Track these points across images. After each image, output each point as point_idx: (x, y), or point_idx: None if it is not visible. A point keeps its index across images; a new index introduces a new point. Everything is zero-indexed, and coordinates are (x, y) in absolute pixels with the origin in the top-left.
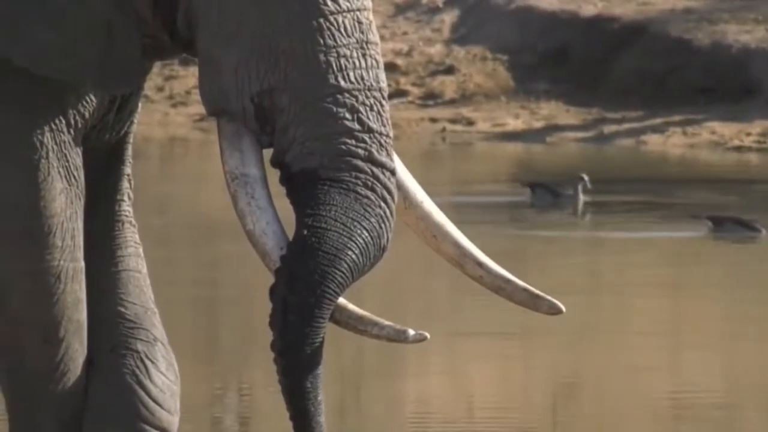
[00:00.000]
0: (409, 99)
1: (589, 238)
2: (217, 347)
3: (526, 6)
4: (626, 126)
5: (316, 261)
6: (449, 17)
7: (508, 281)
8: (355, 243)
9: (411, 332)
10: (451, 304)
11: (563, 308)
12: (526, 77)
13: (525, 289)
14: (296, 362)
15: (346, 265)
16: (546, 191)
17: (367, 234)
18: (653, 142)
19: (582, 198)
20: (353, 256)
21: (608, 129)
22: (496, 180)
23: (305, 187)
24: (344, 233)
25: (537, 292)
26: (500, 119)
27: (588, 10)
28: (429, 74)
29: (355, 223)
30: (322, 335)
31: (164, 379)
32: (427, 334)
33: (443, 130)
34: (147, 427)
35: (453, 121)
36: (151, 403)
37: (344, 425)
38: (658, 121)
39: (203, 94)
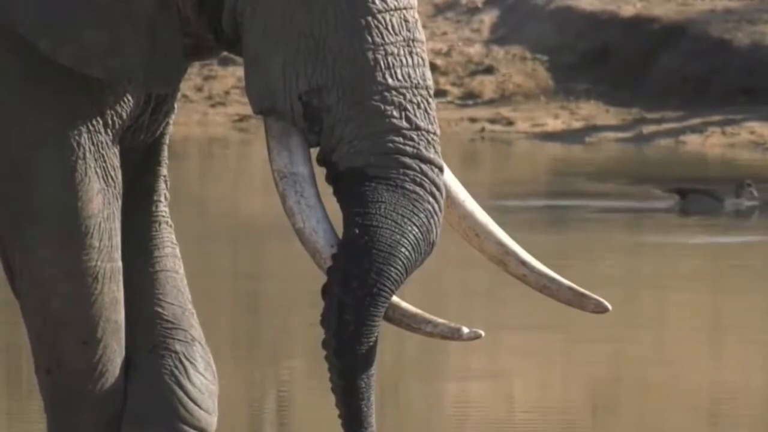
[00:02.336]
0: (449, 99)
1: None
2: (256, 346)
3: (566, 6)
4: (665, 126)
5: (371, 260)
6: (488, 17)
7: (553, 280)
8: (407, 239)
9: (465, 330)
10: (491, 298)
11: (609, 306)
12: (566, 77)
13: (570, 288)
14: (352, 362)
15: (400, 262)
16: (704, 196)
17: (417, 230)
18: (692, 142)
19: (746, 203)
20: (406, 253)
21: (647, 129)
22: (535, 181)
23: (353, 185)
24: (396, 230)
25: (582, 290)
26: (539, 119)
27: (627, 11)
28: (468, 74)
29: (405, 220)
30: (376, 334)
31: (202, 379)
32: (482, 332)
33: (482, 130)
34: (186, 428)
35: (492, 121)
36: (189, 404)
37: (384, 423)
38: (697, 121)
39: (250, 93)
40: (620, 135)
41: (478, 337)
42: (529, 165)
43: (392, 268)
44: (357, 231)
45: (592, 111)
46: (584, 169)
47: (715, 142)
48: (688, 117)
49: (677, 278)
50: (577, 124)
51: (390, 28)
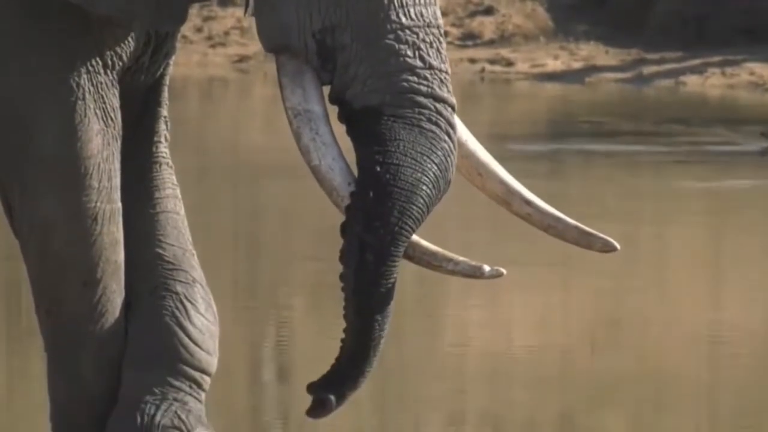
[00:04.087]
0: (449, 40)
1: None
2: (256, 287)
3: None
4: (665, 67)
5: (393, 198)
6: None
7: (558, 219)
8: (428, 177)
9: (486, 268)
10: (491, 233)
11: (617, 245)
12: (565, 18)
13: (576, 227)
14: (370, 301)
15: (421, 200)
16: None
17: (436, 168)
18: (692, 83)
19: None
20: (427, 191)
21: (647, 70)
22: (535, 121)
23: (369, 124)
24: (417, 168)
25: (589, 229)
26: (539, 60)
27: None
28: (468, 15)
29: (425, 157)
30: (396, 273)
31: (203, 320)
32: (504, 270)
33: (482, 70)
34: (186, 368)
35: (492, 61)
36: (190, 345)
37: (384, 357)
38: (697, 62)
39: (262, 31)
40: (620, 76)
41: (500, 275)
42: (528, 105)
43: (414, 207)
44: (378, 169)
45: (591, 52)
46: (584, 110)
47: (714, 83)
48: (688, 58)
49: (678, 218)
50: (577, 65)
51: None
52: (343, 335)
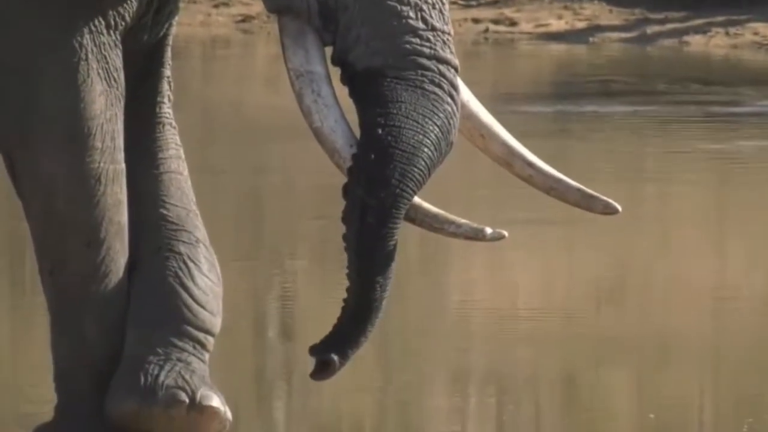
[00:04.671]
0: (452, 0)
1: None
2: (259, 247)
3: None
4: (669, 27)
5: (394, 160)
6: None
7: (560, 181)
8: (429, 139)
9: (488, 230)
10: (494, 193)
11: (619, 207)
12: None
13: (578, 189)
14: (372, 263)
15: (423, 163)
16: None
17: (438, 130)
18: (696, 42)
19: None
20: (428, 153)
21: (651, 29)
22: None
23: (371, 85)
24: (418, 130)
25: (590, 191)
26: (543, 20)
27: None
28: None
29: (426, 119)
30: (398, 235)
31: (207, 280)
32: (505, 233)
33: (486, 30)
34: (190, 329)
35: (495, 21)
36: (194, 305)
37: (387, 317)
38: (700, 21)
39: None
40: (624, 35)
41: (502, 237)
42: (532, 66)
43: (415, 169)
44: (380, 131)
45: (595, 11)
46: (588, 70)
47: (718, 42)
48: (692, 18)
49: (682, 178)
50: (581, 25)
51: None
52: (346, 294)
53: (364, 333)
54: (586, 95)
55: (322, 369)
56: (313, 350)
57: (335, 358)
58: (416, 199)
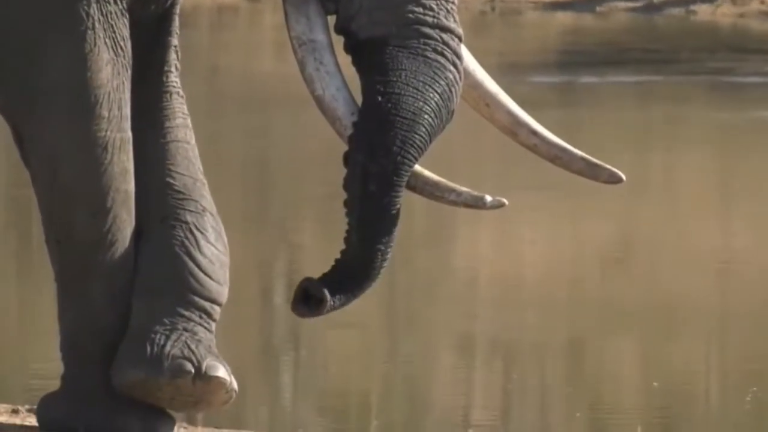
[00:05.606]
0: None
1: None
2: (266, 217)
3: None
4: None
5: (395, 127)
6: None
7: (564, 150)
8: (429, 106)
9: (488, 198)
10: (500, 159)
11: (623, 176)
12: None
13: (582, 158)
14: (374, 230)
15: (423, 129)
16: None
17: (438, 97)
18: (703, 11)
19: None
20: (429, 120)
21: None
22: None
23: (373, 54)
24: (418, 97)
25: (595, 160)
26: None
27: None
28: None
29: (427, 87)
30: (400, 202)
31: (213, 249)
32: (505, 201)
33: (493, 0)
34: (196, 298)
35: None
36: (200, 274)
37: (394, 282)
38: None
39: None
40: (631, 4)
41: (502, 205)
42: (539, 35)
43: (416, 136)
44: (379, 98)
45: None
46: (594, 39)
47: (725, 12)
48: None
49: (689, 147)
50: None
51: None
52: (344, 244)
53: (358, 294)
54: (592, 64)
55: (308, 305)
56: (308, 283)
57: (328, 298)
58: (417, 167)
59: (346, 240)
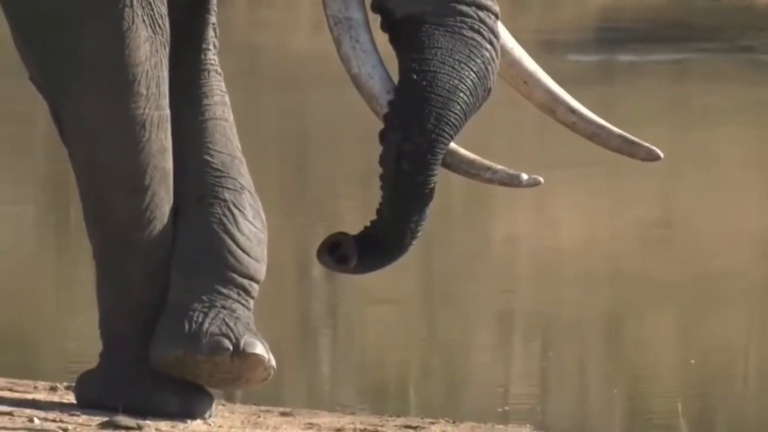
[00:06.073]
0: None
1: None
2: (304, 195)
3: None
4: None
5: (430, 105)
6: None
7: (603, 127)
8: (465, 84)
9: (524, 176)
10: (538, 138)
11: (661, 154)
12: None
13: (620, 136)
14: (407, 208)
15: (458, 107)
16: None
17: (474, 75)
18: None
19: None
20: (464, 98)
21: None
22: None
23: (410, 32)
24: (454, 75)
25: (632, 138)
26: None
27: None
28: None
29: (463, 65)
30: (434, 181)
31: (251, 227)
32: (541, 179)
33: None
34: (234, 276)
35: None
36: (238, 252)
37: (432, 258)
38: None
39: None
40: None
41: (538, 183)
42: (577, 12)
43: (451, 113)
44: (415, 76)
45: None
46: (632, 16)
47: None
48: None
49: (727, 123)
50: None
51: None
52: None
53: (380, 267)
54: (629, 42)
55: (333, 256)
56: (342, 237)
57: (354, 259)
58: (452, 145)
59: (378, 212)
